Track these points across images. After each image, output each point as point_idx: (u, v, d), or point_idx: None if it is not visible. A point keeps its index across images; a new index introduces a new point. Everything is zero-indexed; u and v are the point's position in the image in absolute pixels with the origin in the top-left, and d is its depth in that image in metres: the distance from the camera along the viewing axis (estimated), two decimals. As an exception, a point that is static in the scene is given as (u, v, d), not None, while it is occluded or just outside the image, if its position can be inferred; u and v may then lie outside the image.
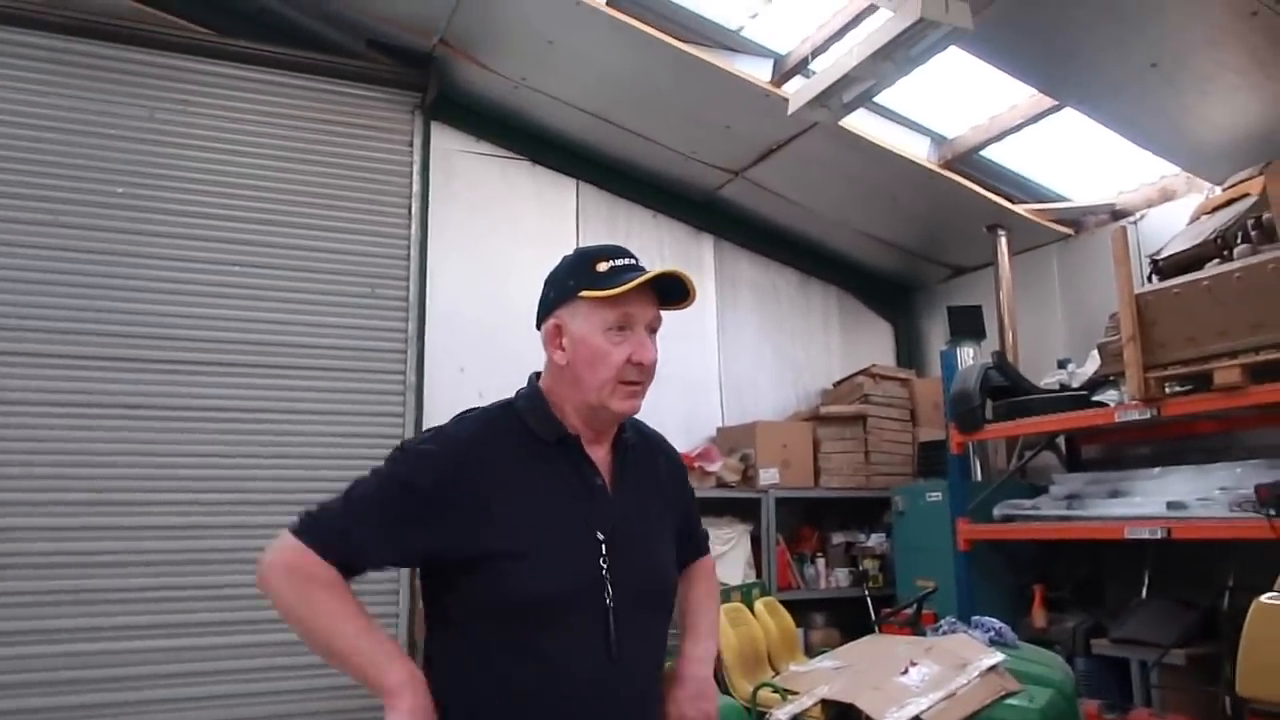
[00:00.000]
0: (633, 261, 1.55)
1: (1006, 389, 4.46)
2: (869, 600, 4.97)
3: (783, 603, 3.74)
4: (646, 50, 4.31)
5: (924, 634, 3.56)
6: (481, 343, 4.77)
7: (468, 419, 1.55)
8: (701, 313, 5.67)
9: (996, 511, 4.35)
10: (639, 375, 1.52)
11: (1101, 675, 3.84)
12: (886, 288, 6.30)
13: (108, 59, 4.32)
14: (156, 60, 4.40)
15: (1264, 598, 2.70)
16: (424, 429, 1.56)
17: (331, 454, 4.37)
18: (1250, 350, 3.22)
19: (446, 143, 5.08)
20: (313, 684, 4.14)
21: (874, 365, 5.65)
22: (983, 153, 4.90)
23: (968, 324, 5.01)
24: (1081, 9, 3.43)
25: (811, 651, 3.85)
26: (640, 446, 1.66)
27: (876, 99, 4.05)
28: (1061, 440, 4.71)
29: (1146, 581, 4.02)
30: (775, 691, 2.85)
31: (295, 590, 1.41)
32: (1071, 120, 4.29)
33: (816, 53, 4.35)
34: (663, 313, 1.56)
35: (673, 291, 1.54)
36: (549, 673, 1.42)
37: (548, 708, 1.42)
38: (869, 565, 5.29)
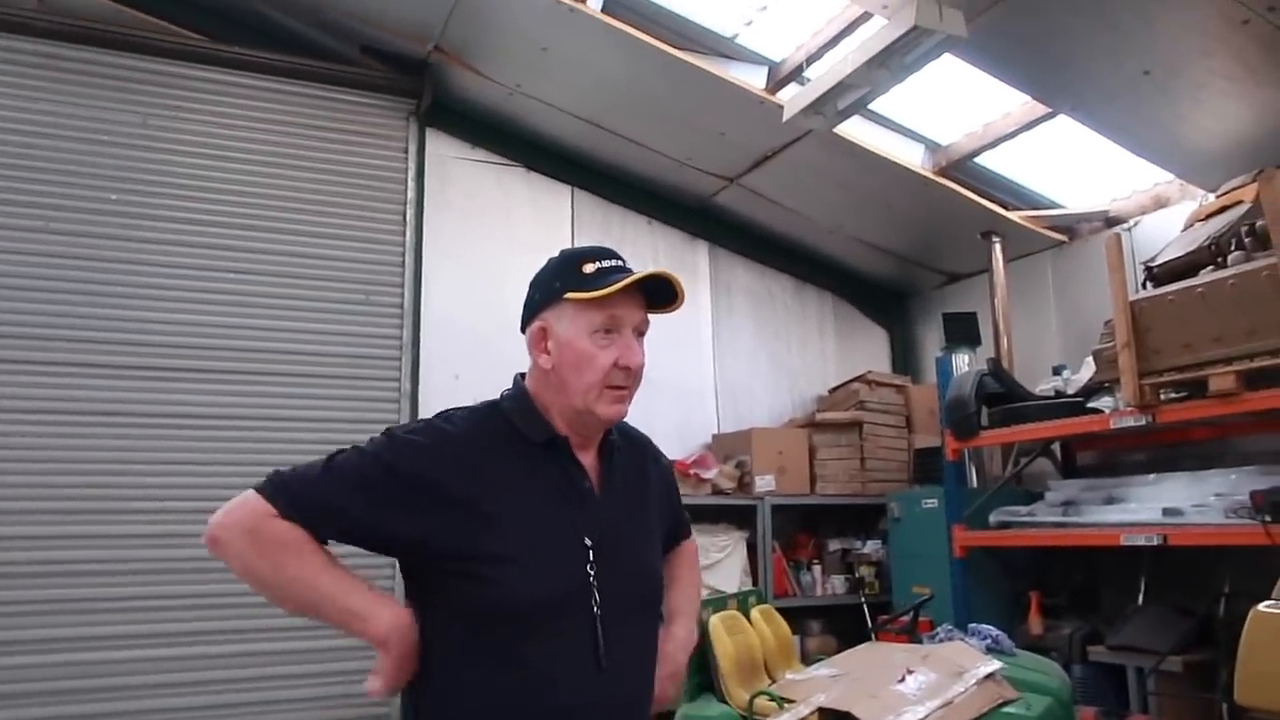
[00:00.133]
0: (620, 263, 1.52)
1: (1002, 395, 4.46)
2: (865, 607, 4.96)
3: (779, 610, 3.72)
4: (641, 57, 4.32)
5: (921, 641, 3.56)
6: (476, 350, 4.76)
7: (455, 416, 1.50)
8: (697, 319, 5.67)
9: (992, 518, 4.35)
10: (626, 380, 1.49)
11: (1098, 682, 3.84)
12: (881, 294, 6.30)
13: (100, 65, 4.31)
14: (149, 66, 4.39)
15: (1262, 606, 2.70)
16: (410, 421, 1.51)
17: (326, 462, 4.35)
18: (1245, 357, 3.23)
19: (441, 149, 5.07)
20: (310, 694, 4.12)
21: (869, 372, 5.65)
22: (977, 160, 4.91)
23: (963, 331, 5.01)
24: (1075, 17, 3.44)
25: (808, 659, 3.83)
26: (627, 450, 1.63)
27: (871, 106, 4.07)
28: (1057, 447, 4.72)
29: (1142, 588, 4.02)
30: (772, 699, 2.84)
31: (258, 549, 1.35)
32: (1065, 127, 4.30)
33: (811, 60, 4.36)
34: (653, 317, 1.54)
35: (661, 294, 1.51)
36: (534, 682, 1.38)
37: (533, 718, 1.39)
38: (865, 572, 5.28)
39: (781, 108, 4.01)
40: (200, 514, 1.37)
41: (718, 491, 5.09)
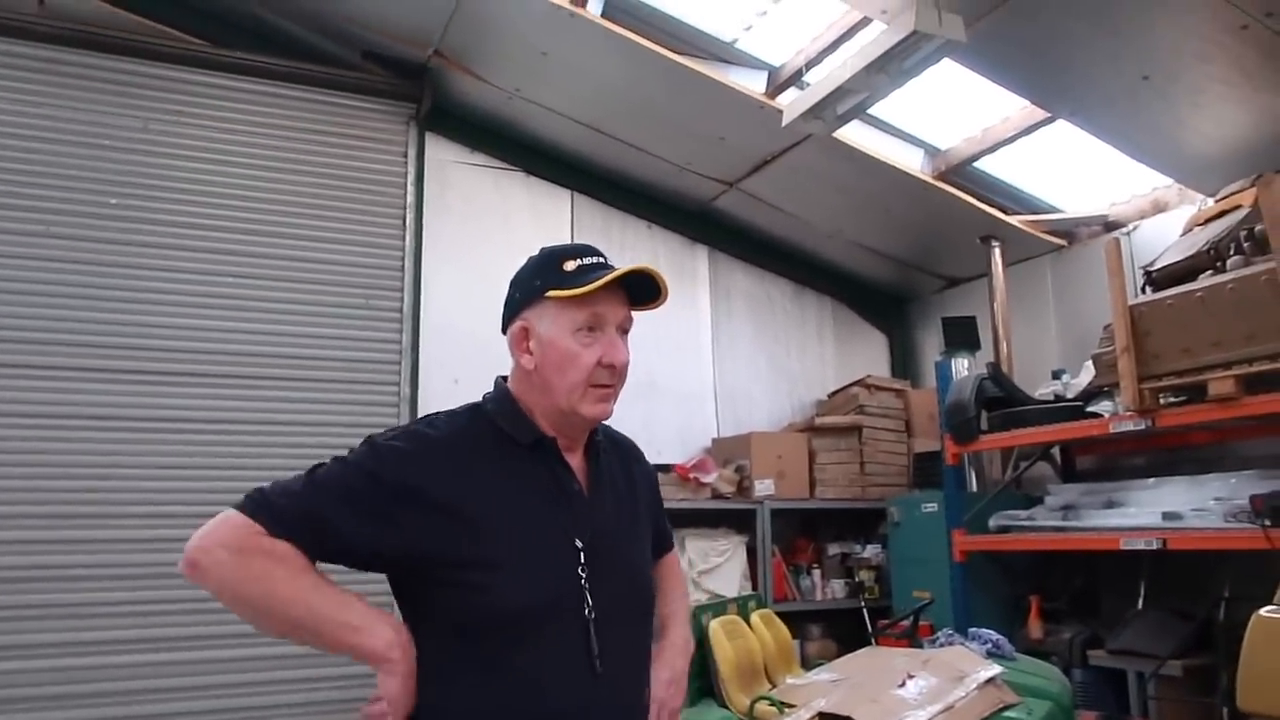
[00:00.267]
0: (601, 260, 1.48)
1: (1001, 400, 4.46)
2: (865, 612, 4.96)
3: (778, 614, 3.71)
4: (641, 62, 4.32)
5: (921, 646, 3.55)
6: (475, 355, 4.73)
7: (438, 421, 1.47)
8: (696, 324, 5.67)
9: (992, 522, 4.35)
10: (610, 378, 1.46)
11: (1098, 687, 3.83)
12: (881, 299, 6.31)
13: (101, 69, 4.31)
14: (150, 71, 4.39)
15: (1264, 611, 2.69)
16: (391, 427, 1.47)
17: (325, 466, 4.34)
18: (1244, 361, 3.23)
19: (441, 154, 5.08)
20: (308, 698, 4.11)
21: (869, 376, 5.65)
22: (976, 164, 4.92)
23: (962, 335, 5.02)
24: (1074, 22, 3.45)
25: (808, 664, 3.82)
26: (612, 451, 1.61)
27: (870, 111, 4.08)
28: (1056, 451, 4.72)
29: (1142, 592, 4.02)
30: (772, 704, 2.83)
31: (245, 569, 1.28)
32: (1064, 132, 4.31)
33: (811, 65, 4.37)
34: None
35: (644, 291, 1.48)
36: (529, 689, 1.35)
37: None
38: (865, 576, 5.28)
39: (781, 112, 4.02)
40: (198, 519, 1.33)
41: (717, 496, 5.09)
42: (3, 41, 4.16)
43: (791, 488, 5.21)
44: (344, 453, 1.41)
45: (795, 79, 4.50)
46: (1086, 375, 4.20)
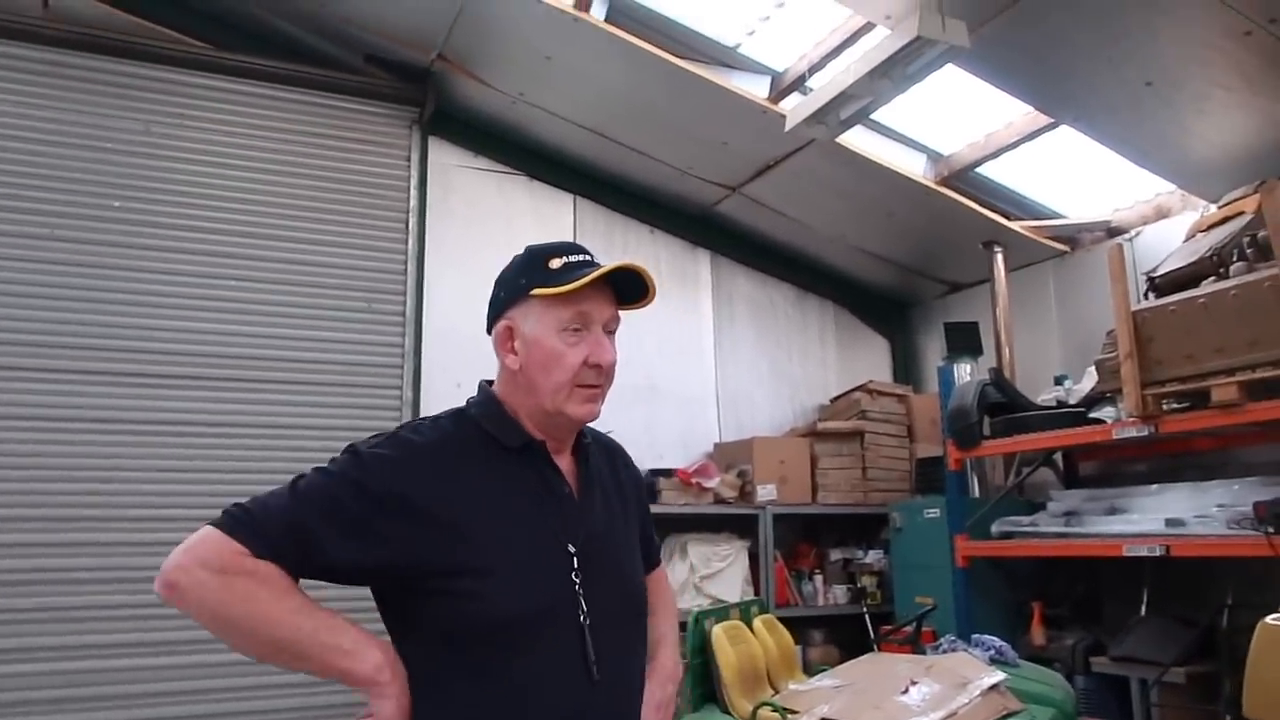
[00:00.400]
0: (588, 257, 1.46)
1: (1004, 405, 4.46)
2: (867, 617, 4.95)
3: (780, 619, 3.70)
4: (644, 66, 4.33)
5: (924, 652, 3.54)
6: (478, 359, 4.68)
7: (422, 426, 1.44)
8: (699, 328, 5.67)
9: (995, 528, 4.34)
10: (597, 378, 1.43)
11: (1101, 694, 3.83)
12: (883, 304, 6.31)
13: (104, 72, 4.31)
14: (153, 74, 4.39)
15: (1270, 619, 2.68)
16: (373, 434, 1.44)
17: (327, 470, 4.34)
18: (1247, 367, 3.22)
19: (444, 157, 5.08)
20: (305, 703, 4.10)
21: (871, 381, 5.65)
22: (979, 170, 4.92)
23: (965, 340, 5.01)
24: (1077, 28, 3.45)
25: (810, 669, 3.81)
26: (600, 454, 1.58)
27: (873, 116, 4.07)
28: (1059, 457, 4.71)
29: (1145, 599, 4.01)
30: (775, 710, 2.82)
31: (229, 591, 1.23)
32: (1067, 137, 4.31)
33: (814, 70, 4.37)
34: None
35: (632, 290, 1.45)
36: (524, 699, 1.31)
37: None
38: (867, 582, 5.26)
39: (784, 117, 4.01)
40: (199, 523, 1.30)
41: (719, 501, 5.08)
42: (7, 45, 4.16)
43: (793, 493, 5.21)
44: (325, 463, 1.37)
45: (798, 84, 4.50)
46: (1089, 381, 4.19)
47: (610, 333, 1.46)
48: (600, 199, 5.49)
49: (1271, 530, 3.10)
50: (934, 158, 5.00)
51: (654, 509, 4.77)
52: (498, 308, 1.49)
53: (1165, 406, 3.57)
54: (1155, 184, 4.58)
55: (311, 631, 1.26)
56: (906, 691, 2.72)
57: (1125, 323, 3.58)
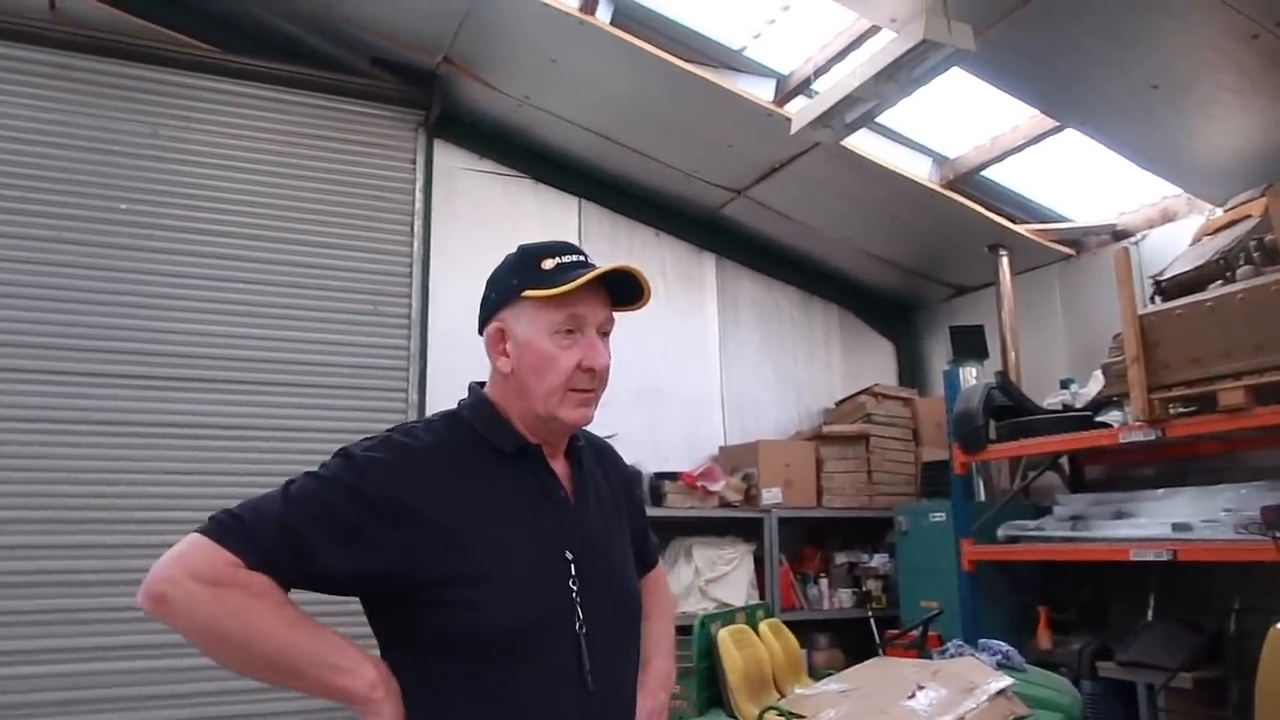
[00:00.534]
0: (582, 258, 1.42)
1: (1010, 409, 4.44)
2: (872, 621, 4.93)
3: (785, 623, 3.71)
4: (649, 69, 4.33)
5: (930, 657, 3.53)
6: (483, 362, 4.72)
7: (415, 430, 1.40)
8: (703, 331, 5.67)
9: (1000, 532, 4.33)
10: (590, 382, 1.39)
11: (1108, 699, 3.81)
12: (888, 307, 6.30)
13: (111, 75, 4.33)
14: (160, 76, 4.41)
15: (1280, 625, 2.68)
16: (365, 437, 1.39)
17: (332, 472, 4.34)
18: (1254, 371, 3.21)
19: (449, 160, 5.09)
20: (309, 704, 4.10)
21: (876, 385, 5.64)
22: (984, 173, 4.91)
23: (970, 344, 5.01)
24: (1083, 31, 3.45)
25: (815, 673, 3.81)
26: (592, 455, 1.55)
27: (879, 119, 4.07)
28: (1065, 461, 4.70)
29: (1152, 604, 4.00)
30: (781, 715, 2.82)
31: (221, 604, 1.17)
32: (1073, 141, 4.30)
33: (819, 73, 4.37)
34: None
35: (626, 291, 1.41)
36: (519, 710, 1.29)
37: None
38: (872, 586, 5.26)
39: (789, 120, 4.01)
40: (213, 513, 1.29)
41: (725, 504, 5.08)
42: (14, 47, 4.18)
43: (799, 496, 5.20)
44: (316, 467, 1.33)
45: (804, 87, 4.50)
46: (1095, 385, 4.18)
47: (604, 334, 1.43)
48: (605, 202, 5.49)
49: (1279, 535, 3.08)
50: (939, 161, 5.00)
51: (659, 512, 4.84)
52: (489, 309, 1.45)
53: (1172, 410, 3.56)
54: (1161, 187, 4.57)
55: (306, 647, 1.22)
56: (914, 696, 2.71)
57: (1132, 326, 3.57)
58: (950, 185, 4.93)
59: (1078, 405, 4.26)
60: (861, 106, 3.59)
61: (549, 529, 1.37)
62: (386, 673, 1.27)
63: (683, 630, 3.29)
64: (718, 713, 3.06)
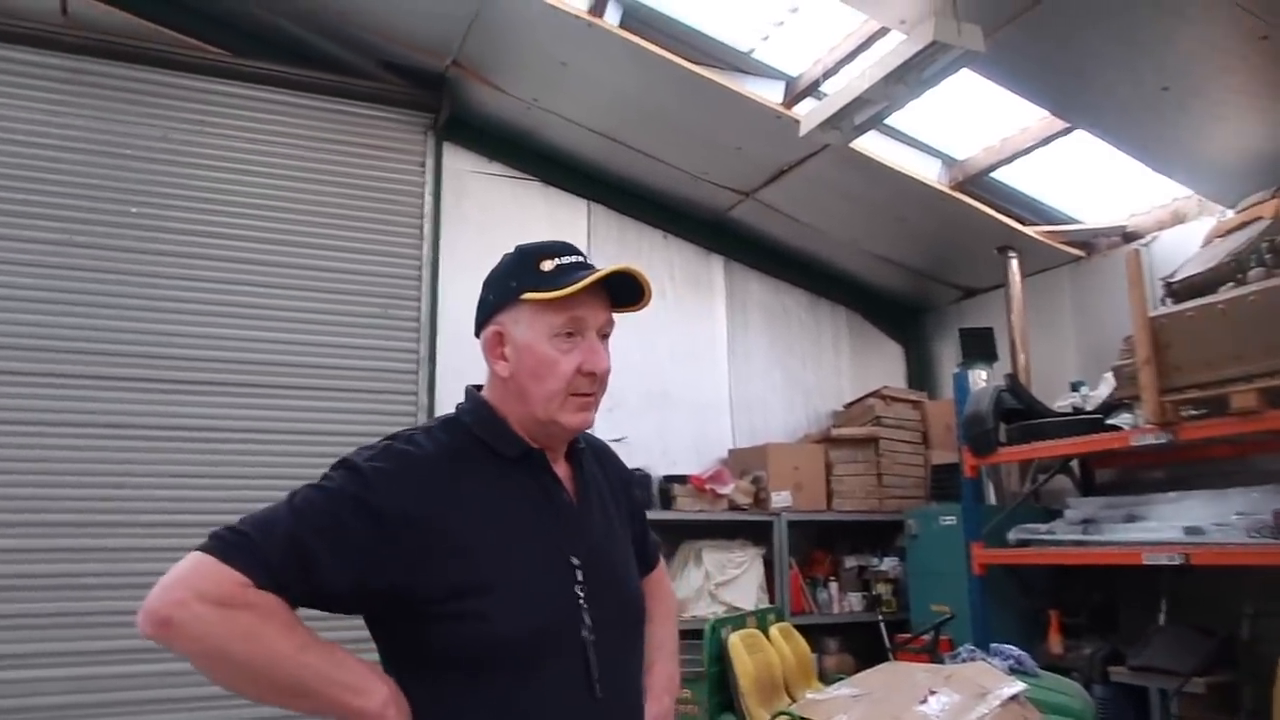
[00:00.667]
0: (581, 259, 1.38)
1: (1020, 412, 4.43)
2: (882, 625, 4.92)
3: (795, 627, 3.70)
4: (658, 72, 4.33)
5: (942, 661, 3.52)
6: (492, 364, 4.76)
7: (416, 437, 1.36)
8: (712, 334, 5.66)
9: (1011, 536, 4.31)
10: (590, 386, 1.36)
11: (1120, 704, 3.79)
12: (897, 309, 6.29)
13: (122, 79, 4.35)
14: (171, 80, 4.43)
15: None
16: (364, 446, 1.36)
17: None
18: (1266, 374, 3.19)
19: (458, 163, 5.09)
20: (312, 706, 4.10)
21: (885, 387, 5.63)
22: (993, 174, 4.89)
23: (979, 346, 4.99)
24: (1093, 33, 3.43)
25: (825, 678, 3.80)
26: (591, 457, 1.52)
27: (888, 121, 4.06)
28: (1076, 464, 4.68)
29: (1163, 608, 3.97)
30: (793, 719, 2.81)
31: (230, 626, 1.13)
32: (1083, 142, 4.29)
33: (828, 75, 4.36)
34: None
35: (626, 292, 1.38)
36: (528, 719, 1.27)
37: None
38: (882, 589, 5.24)
39: (798, 122, 4.01)
40: (210, 528, 1.24)
41: (734, 507, 5.07)
42: (27, 51, 4.20)
43: (808, 499, 5.19)
44: (317, 479, 1.29)
45: (812, 89, 4.49)
46: (1105, 387, 4.16)
47: (604, 337, 1.39)
48: (614, 204, 5.49)
49: (1292, 539, 3.07)
50: (949, 163, 4.98)
51: (668, 515, 4.84)
52: (486, 311, 1.41)
53: (1183, 413, 3.55)
54: (1172, 189, 4.55)
55: (318, 669, 1.19)
56: (926, 701, 2.70)
57: (1143, 329, 3.55)
58: (959, 187, 4.92)
59: (1088, 408, 4.25)
60: (871, 108, 3.59)
61: (554, 535, 1.35)
62: (397, 690, 1.25)
63: (693, 635, 3.29)
64: (729, 717, 3.06)
